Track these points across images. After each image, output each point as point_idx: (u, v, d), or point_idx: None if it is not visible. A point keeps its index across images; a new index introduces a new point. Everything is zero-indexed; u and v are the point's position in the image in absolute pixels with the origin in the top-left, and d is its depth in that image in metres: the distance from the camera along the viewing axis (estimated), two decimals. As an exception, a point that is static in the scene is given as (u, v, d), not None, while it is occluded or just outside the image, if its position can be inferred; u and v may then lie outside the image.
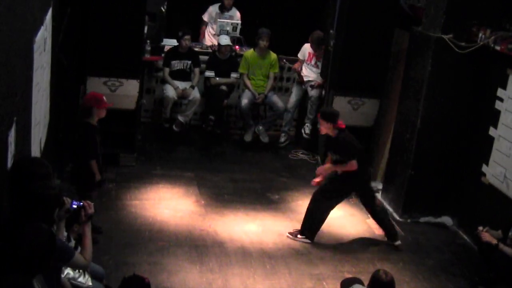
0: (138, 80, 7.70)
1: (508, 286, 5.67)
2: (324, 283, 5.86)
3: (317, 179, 6.61)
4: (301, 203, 7.46)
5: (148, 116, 9.31)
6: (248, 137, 9.22)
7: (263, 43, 8.85)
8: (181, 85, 8.74)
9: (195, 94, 8.75)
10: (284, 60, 9.55)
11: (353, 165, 6.26)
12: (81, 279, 4.35)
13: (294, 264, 6.12)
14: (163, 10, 8.68)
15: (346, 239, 6.79)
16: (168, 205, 7.02)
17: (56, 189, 3.72)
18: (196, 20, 9.76)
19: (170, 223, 6.62)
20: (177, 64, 8.77)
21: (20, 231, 3.13)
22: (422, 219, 7.40)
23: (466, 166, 7.18)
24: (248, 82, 9.01)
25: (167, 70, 8.72)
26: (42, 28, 4.67)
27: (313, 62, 8.98)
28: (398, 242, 6.67)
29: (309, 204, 6.58)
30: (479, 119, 7.00)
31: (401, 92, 7.56)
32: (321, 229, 6.62)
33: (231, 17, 9.57)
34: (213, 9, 9.68)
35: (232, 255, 6.15)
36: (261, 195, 7.61)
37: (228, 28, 9.25)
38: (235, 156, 8.86)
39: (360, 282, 4.69)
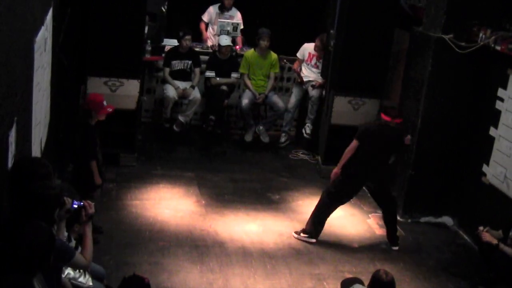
0: (139, 80, 7.70)
1: (508, 286, 5.67)
2: (325, 283, 5.86)
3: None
4: (302, 203, 7.48)
5: (148, 116, 9.31)
6: (248, 137, 9.22)
7: (263, 43, 8.84)
8: (182, 85, 8.74)
9: (196, 94, 8.75)
10: (285, 60, 9.55)
11: (351, 145, 6.42)
12: (81, 279, 4.35)
13: (295, 264, 6.12)
14: (164, 10, 8.67)
15: (346, 239, 6.79)
16: (168, 205, 7.02)
17: (56, 189, 3.72)
18: (196, 20, 9.75)
19: (171, 223, 6.62)
20: (177, 64, 8.77)
21: (20, 231, 3.13)
22: (423, 219, 7.41)
23: (466, 166, 7.18)
24: (248, 82, 9.01)
25: (167, 70, 8.72)
26: (43, 28, 4.67)
27: (313, 62, 8.98)
28: (396, 248, 6.67)
29: (317, 204, 6.60)
30: (479, 119, 7.00)
31: (401, 92, 7.56)
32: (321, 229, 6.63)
33: (231, 17, 9.56)
34: (213, 9, 9.67)
35: (233, 255, 6.16)
36: (261, 195, 7.61)
37: (228, 28, 9.24)
38: (236, 156, 8.86)
39: (360, 282, 4.69)
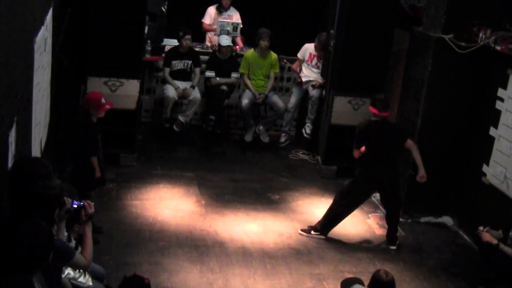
0: (139, 80, 7.70)
1: (508, 286, 5.67)
2: (325, 283, 5.86)
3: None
4: (302, 203, 7.48)
5: (148, 116, 9.31)
6: (248, 137, 9.22)
7: (263, 43, 8.84)
8: (182, 85, 8.74)
9: (196, 94, 8.75)
10: (285, 60, 9.55)
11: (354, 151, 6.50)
12: (81, 279, 4.35)
13: (295, 264, 6.12)
14: (164, 10, 8.68)
15: (346, 239, 6.79)
16: (168, 205, 7.02)
17: (56, 189, 3.71)
18: (196, 20, 9.75)
19: (171, 223, 6.62)
20: (177, 64, 8.77)
21: (19, 230, 3.13)
22: (423, 219, 7.41)
23: (466, 166, 7.18)
24: (248, 82, 9.01)
25: (167, 70, 8.72)
26: (43, 28, 4.67)
27: (313, 62, 8.98)
28: (393, 247, 6.67)
29: (332, 203, 6.68)
30: (479, 119, 7.00)
31: (401, 92, 7.56)
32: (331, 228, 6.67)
33: (229, 17, 9.55)
34: (212, 10, 9.67)
35: (233, 255, 6.16)
36: (261, 195, 7.61)
37: (228, 28, 9.24)
38: (236, 156, 8.86)
39: (360, 282, 4.68)
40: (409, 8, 8.19)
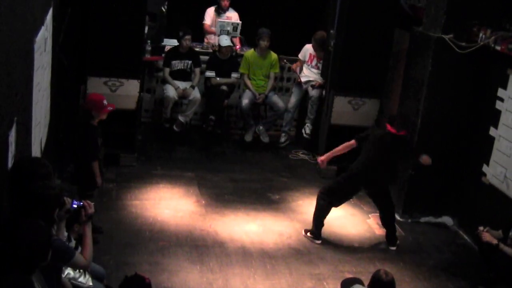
0: (139, 80, 7.70)
1: (508, 286, 5.67)
2: (325, 283, 5.86)
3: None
4: (302, 203, 7.48)
5: (148, 116, 9.32)
6: (248, 137, 9.22)
7: (263, 43, 8.85)
8: (182, 85, 8.74)
9: (196, 94, 8.76)
10: (285, 60, 9.54)
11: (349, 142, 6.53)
12: (81, 279, 4.35)
13: (295, 264, 6.12)
14: (164, 10, 8.68)
15: (346, 239, 6.79)
16: (168, 205, 7.03)
17: (56, 189, 3.71)
18: (196, 20, 9.75)
19: (171, 223, 6.62)
20: (177, 64, 8.77)
21: (19, 230, 3.13)
22: (423, 219, 7.41)
23: (466, 166, 7.18)
24: (248, 82, 9.01)
25: (167, 70, 8.72)
26: (43, 28, 4.67)
27: (313, 63, 8.97)
28: (394, 248, 6.67)
29: (315, 206, 6.61)
30: (479, 119, 7.00)
31: (401, 92, 7.56)
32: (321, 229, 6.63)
33: (228, 18, 9.55)
34: (211, 11, 9.66)
35: (233, 255, 6.16)
36: (261, 195, 7.61)
37: (228, 28, 9.25)
38: (236, 156, 8.86)
39: (360, 282, 4.69)
40: (409, 8, 8.19)
